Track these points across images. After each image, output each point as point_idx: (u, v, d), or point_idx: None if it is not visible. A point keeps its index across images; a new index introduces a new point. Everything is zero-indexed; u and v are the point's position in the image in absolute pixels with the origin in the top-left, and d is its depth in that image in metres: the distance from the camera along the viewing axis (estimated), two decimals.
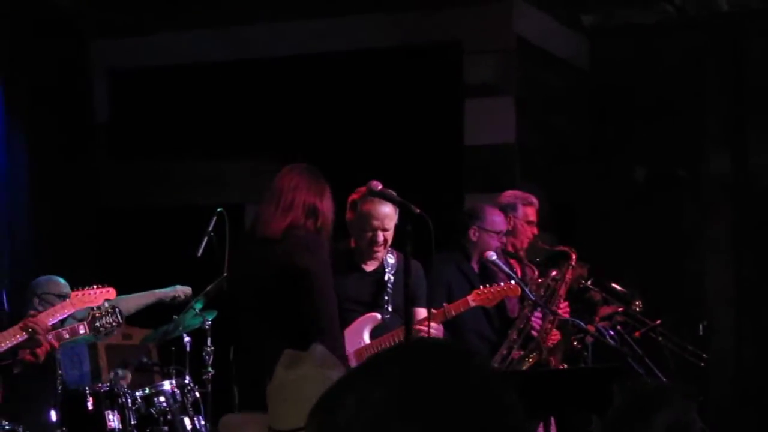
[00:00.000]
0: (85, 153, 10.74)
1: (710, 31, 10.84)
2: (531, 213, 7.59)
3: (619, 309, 7.96)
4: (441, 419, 1.71)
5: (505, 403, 1.78)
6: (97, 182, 10.84)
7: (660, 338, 8.05)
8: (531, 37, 10.28)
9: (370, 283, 6.27)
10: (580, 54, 11.14)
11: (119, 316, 6.53)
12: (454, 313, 6.47)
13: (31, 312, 6.48)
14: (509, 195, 7.68)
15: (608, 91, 11.13)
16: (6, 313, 7.58)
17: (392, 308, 6.28)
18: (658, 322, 8.10)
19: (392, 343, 6.14)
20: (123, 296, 7.08)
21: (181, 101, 10.78)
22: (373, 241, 6.15)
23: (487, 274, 7.20)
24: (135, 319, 9.73)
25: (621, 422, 3.35)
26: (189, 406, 7.49)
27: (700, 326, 8.71)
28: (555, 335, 7.44)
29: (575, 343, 7.48)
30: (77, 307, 6.50)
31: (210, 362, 7.50)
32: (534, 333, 7.18)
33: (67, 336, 6.41)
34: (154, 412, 7.36)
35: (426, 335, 6.00)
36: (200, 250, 7.32)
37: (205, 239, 7.32)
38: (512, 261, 7.39)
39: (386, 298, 6.28)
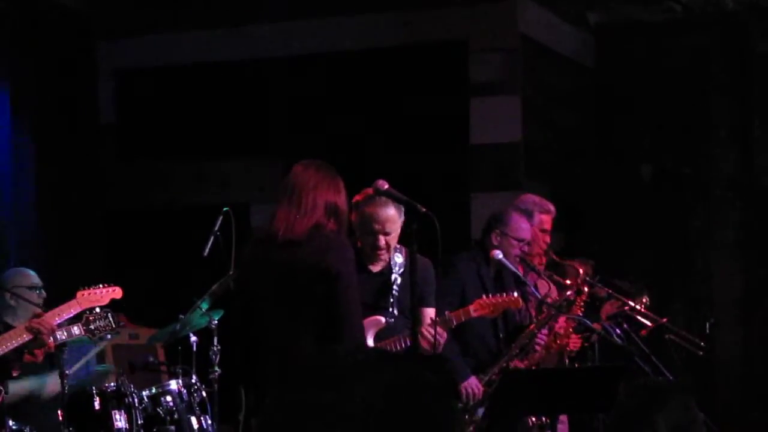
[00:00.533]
0: (92, 154, 10.74)
1: (716, 29, 10.83)
2: (546, 221, 7.54)
3: (625, 307, 7.95)
4: None
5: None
6: (104, 183, 10.84)
7: (667, 336, 8.04)
8: (536, 36, 10.27)
9: (376, 284, 6.21)
10: (586, 52, 11.14)
11: (112, 321, 6.50)
12: (455, 322, 6.41)
13: (37, 312, 6.47)
14: (528, 201, 7.62)
15: (614, 89, 11.12)
16: None
17: (398, 310, 6.22)
18: (665, 320, 8.09)
19: (397, 347, 6.13)
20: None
21: (188, 101, 10.79)
22: (375, 245, 6.10)
23: (501, 278, 7.18)
24: (141, 318, 9.76)
25: (624, 422, 3.35)
26: (196, 405, 7.49)
27: (707, 324, 8.70)
28: (576, 341, 7.42)
29: (585, 343, 7.47)
30: (83, 307, 6.48)
31: (217, 362, 7.49)
32: (538, 348, 7.16)
33: (64, 336, 6.40)
34: (160, 412, 7.36)
35: (431, 339, 5.99)
36: (206, 250, 7.31)
37: (212, 239, 7.31)
38: (529, 273, 7.34)
39: (391, 300, 6.23)
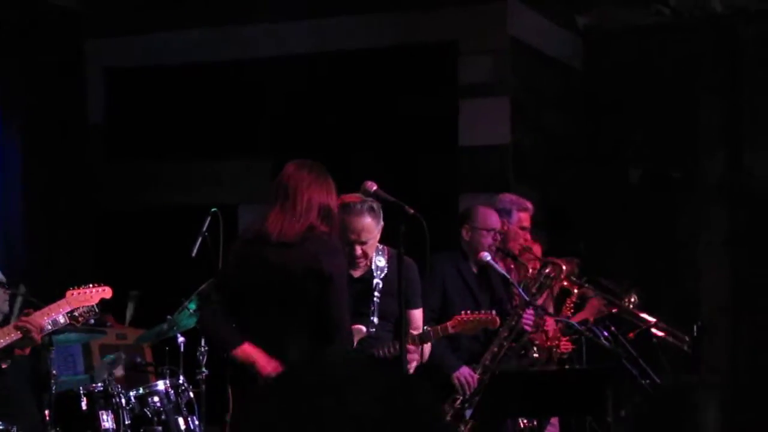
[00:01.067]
0: (80, 154, 10.72)
1: (705, 32, 10.85)
2: (525, 219, 7.60)
3: (613, 309, 7.97)
4: None
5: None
6: (92, 183, 10.82)
7: (654, 339, 8.06)
8: (526, 38, 10.28)
9: (357, 290, 6.11)
10: (575, 55, 11.15)
11: (95, 306, 6.51)
12: (433, 337, 6.37)
13: (26, 310, 6.45)
14: (506, 199, 7.68)
15: (603, 92, 11.14)
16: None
17: (378, 317, 6.17)
18: (653, 321, 8.11)
19: (380, 355, 6.11)
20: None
21: (177, 102, 10.78)
22: (352, 254, 6.05)
23: (486, 274, 7.20)
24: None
25: None
26: (183, 406, 7.49)
27: (695, 327, 8.71)
28: (566, 344, 7.45)
29: (573, 345, 7.49)
30: (72, 306, 6.46)
31: (204, 362, 7.49)
32: (528, 328, 7.19)
33: (49, 327, 6.39)
34: (148, 412, 7.35)
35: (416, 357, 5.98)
36: (194, 251, 7.30)
37: (200, 239, 7.30)
38: (507, 259, 7.41)
39: (372, 308, 6.19)
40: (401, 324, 5.62)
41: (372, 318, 6.14)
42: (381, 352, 6.09)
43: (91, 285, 6.59)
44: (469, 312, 6.54)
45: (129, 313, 9.72)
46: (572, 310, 7.54)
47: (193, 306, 7.37)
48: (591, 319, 7.81)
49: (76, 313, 6.44)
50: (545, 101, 10.58)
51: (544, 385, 6.57)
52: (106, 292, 6.65)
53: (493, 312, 6.59)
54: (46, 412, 6.96)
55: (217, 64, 10.67)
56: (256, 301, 5.60)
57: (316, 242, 5.51)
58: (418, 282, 6.15)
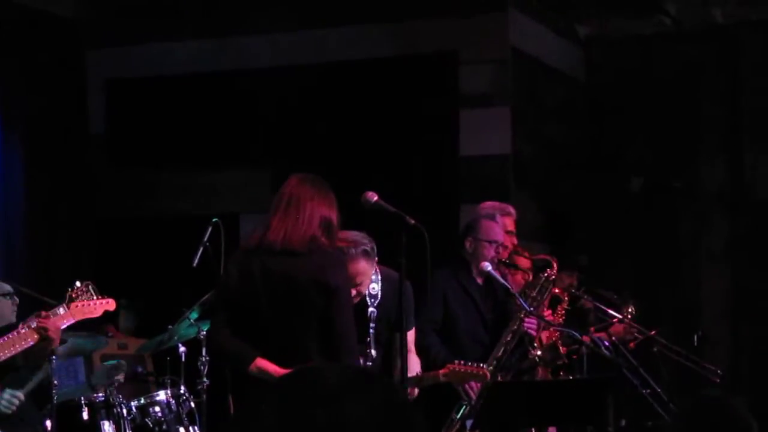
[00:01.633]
0: (82, 163, 10.73)
1: (706, 42, 10.87)
2: (509, 223, 7.62)
3: (613, 320, 7.97)
4: None
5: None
6: (93, 192, 10.83)
7: (655, 349, 8.06)
8: (526, 48, 10.29)
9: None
10: (576, 64, 11.17)
11: (93, 293, 6.53)
12: (423, 383, 6.36)
13: (43, 313, 6.45)
14: (488, 206, 7.71)
15: (604, 101, 11.15)
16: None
17: (375, 348, 6.17)
18: (653, 332, 8.11)
19: None
20: None
21: (178, 111, 10.79)
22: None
23: (492, 285, 7.23)
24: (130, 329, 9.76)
25: None
26: (184, 416, 7.49)
27: (695, 336, 8.72)
28: (549, 337, 7.45)
29: (573, 356, 7.48)
30: (77, 318, 6.48)
31: (205, 372, 7.49)
32: (532, 332, 7.19)
33: (48, 313, 6.39)
34: (149, 422, 7.35)
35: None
36: (196, 260, 7.31)
37: (201, 249, 7.31)
38: (509, 270, 7.43)
39: (368, 339, 6.19)
40: (401, 338, 5.63)
41: (370, 350, 6.14)
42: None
43: (95, 297, 6.60)
44: (461, 363, 6.52)
45: (121, 321, 9.74)
46: (563, 317, 7.54)
47: (194, 316, 7.38)
48: (592, 329, 7.81)
49: (76, 303, 6.47)
50: (546, 110, 10.60)
51: (545, 394, 6.56)
52: (110, 305, 6.66)
53: (484, 367, 6.56)
54: (48, 422, 6.97)
55: (217, 74, 10.68)
56: (264, 313, 5.58)
57: (321, 255, 5.52)
58: (412, 303, 6.15)
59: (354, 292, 5.97)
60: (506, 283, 7.08)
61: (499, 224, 7.51)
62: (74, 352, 7.80)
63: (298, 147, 10.19)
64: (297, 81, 10.46)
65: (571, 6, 10.82)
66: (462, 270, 7.29)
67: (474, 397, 6.93)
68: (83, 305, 6.50)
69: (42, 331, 6.27)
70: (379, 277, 6.18)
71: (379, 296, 6.19)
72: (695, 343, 8.62)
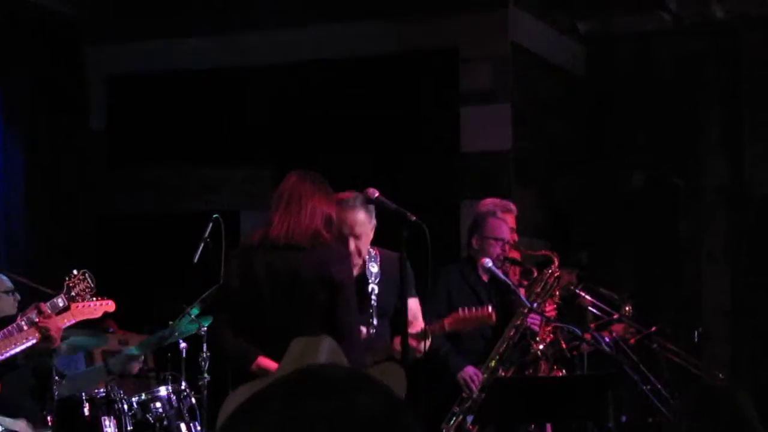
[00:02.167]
0: (82, 159, 10.74)
1: (706, 38, 10.87)
2: (510, 220, 7.63)
3: (614, 316, 7.98)
4: None
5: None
6: (94, 188, 10.84)
7: (655, 345, 8.07)
8: (527, 44, 10.30)
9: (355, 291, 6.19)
10: (576, 61, 11.17)
11: (90, 281, 6.55)
12: (429, 336, 6.40)
13: (42, 307, 6.46)
14: (488, 203, 7.72)
15: (604, 98, 11.15)
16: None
17: (377, 318, 6.22)
18: (654, 329, 8.11)
19: (375, 359, 6.13)
20: None
21: (178, 108, 10.79)
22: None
23: (498, 285, 7.25)
24: (130, 325, 9.75)
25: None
26: (185, 412, 7.49)
27: (695, 333, 8.72)
28: (548, 336, 7.46)
29: (573, 352, 7.48)
30: (77, 319, 6.52)
31: (206, 368, 7.48)
32: (535, 328, 7.20)
33: (49, 311, 6.40)
34: (150, 418, 7.35)
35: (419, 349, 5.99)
36: (196, 257, 7.32)
37: (201, 246, 7.32)
38: (513, 267, 7.43)
39: (371, 310, 6.23)
40: (402, 320, 5.65)
41: (372, 320, 6.19)
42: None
43: (95, 298, 6.63)
44: (466, 309, 6.59)
45: None
46: (555, 313, 7.55)
47: (195, 312, 7.38)
48: (592, 326, 7.81)
49: (73, 293, 6.48)
50: (546, 107, 10.60)
51: (546, 390, 6.58)
52: (110, 306, 6.70)
53: (489, 307, 6.62)
54: (49, 418, 6.98)
55: (217, 70, 10.69)
56: (267, 309, 5.61)
57: (324, 249, 5.56)
58: (411, 273, 6.18)
59: (353, 245, 6.02)
60: (507, 280, 7.09)
61: (506, 222, 7.52)
62: (75, 348, 7.81)
63: (298, 143, 10.19)
64: (298, 78, 10.47)
65: (571, 2, 10.82)
66: (467, 267, 7.33)
67: (476, 390, 6.95)
68: (84, 306, 6.53)
69: (44, 331, 6.28)
70: (378, 260, 6.22)
71: (379, 275, 6.23)
72: (695, 340, 8.63)
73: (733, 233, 10.76)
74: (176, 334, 7.62)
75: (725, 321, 10.63)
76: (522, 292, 7.15)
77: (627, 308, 8.07)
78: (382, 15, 10.26)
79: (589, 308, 7.89)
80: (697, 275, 10.81)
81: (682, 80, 10.89)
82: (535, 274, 7.40)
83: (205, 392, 7.48)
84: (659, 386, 7.06)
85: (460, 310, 6.57)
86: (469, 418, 6.92)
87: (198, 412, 7.52)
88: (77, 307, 6.53)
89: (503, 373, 7.09)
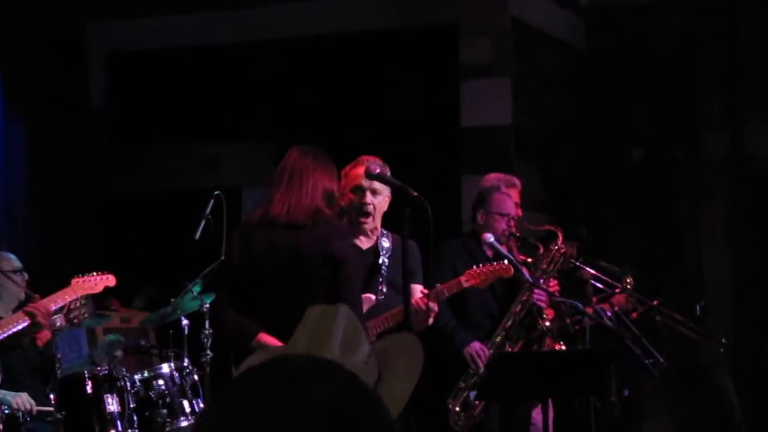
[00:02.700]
0: (83, 138, 10.73)
1: (708, 12, 10.83)
2: (515, 195, 7.61)
3: (616, 289, 7.97)
4: None
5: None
6: (95, 167, 10.83)
7: (658, 317, 8.07)
8: (527, 18, 10.27)
9: (365, 261, 6.20)
10: (577, 35, 11.13)
11: (91, 306, 6.55)
12: (447, 294, 6.44)
13: (36, 296, 6.48)
14: (492, 178, 7.68)
15: (605, 72, 11.12)
16: None
17: (386, 287, 6.24)
18: (656, 302, 8.12)
19: (385, 326, 6.15)
20: None
21: (180, 85, 10.77)
22: (362, 203, 6.10)
23: (501, 257, 7.24)
24: (132, 302, 9.76)
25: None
26: (188, 388, 7.51)
27: (697, 307, 8.72)
28: (549, 312, 7.47)
29: (576, 326, 7.48)
30: (78, 294, 6.51)
31: (208, 345, 7.49)
32: (541, 304, 7.20)
33: (57, 323, 6.42)
34: (152, 395, 7.37)
35: (423, 310, 5.99)
36: (198, 234, 7.32)
37: (203, 222, 7.32)
38: (515, 242, 7.42)
39: (380, 279, 6.25)
40: (406, 305, 5.66)
41: (381, 287, 6.21)
42: (386, 323, 6.11)
43: (95, 273, 6.62)
44: (481, 265, 6.61)
45: (136, 301, 9.74)
46: (558, 288, 7.54)
47: (197, 289, 7.39)
48: (594, 300, 7.81)
49: (71, 315, 6.47)
50: (546, 81, 10.58)
51: (548, 365, 6.59)
52: (110, 281, 6.69)
53: (506, 261, 6.63)
54: (52, 396, 6.99)
55: (219, 47, 10.66)
56: (268, 287, 5.61)
57: (326, 226, 5.56)
58: (420, 260, 6.19)
59: (369, 198, 6.10)
60: (510, 255, 7.08)
61: (510, 197, 7.51)
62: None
63: (298, 119, 10.18)
64: (298, 53, 10.45)
65: None
66: (471, 241, 7.32)
67: (482, 366, 6.96)
68: (84, 281, 6.53)
69: (31, 316, 6.27)
70: (390, 239, 6.26)
71: (391, 251, 6.27)
72: (697, 314, 8.63)
73: (734, 207, 10.75)
74: (178, 311, 7.63)
75: (727, 296, 10.63)
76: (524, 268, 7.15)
77: (628, 280, 8.07)
78: None
79: (590, 281, 7.88)
80: (698, 249, 10.80)
81: (683, 54, 10.86)
82: (541, 250, 7.39)
83: (208, 369, 7.49)
84: (662, 360, 7.06)
85: (474, 266, 6.59)
86: (472, 394, 6.94)
87: (201, 389, 7.54)
88: (78, 282, 6.53)
89: (509, 349, 7.10)
